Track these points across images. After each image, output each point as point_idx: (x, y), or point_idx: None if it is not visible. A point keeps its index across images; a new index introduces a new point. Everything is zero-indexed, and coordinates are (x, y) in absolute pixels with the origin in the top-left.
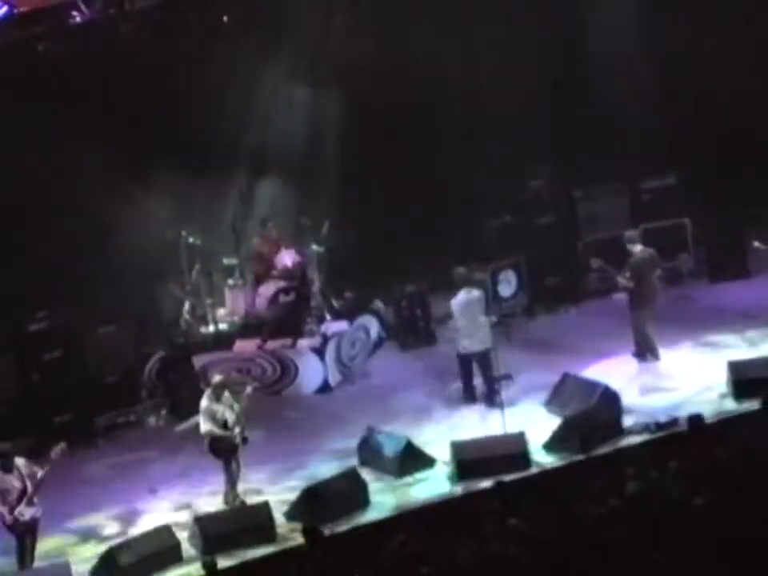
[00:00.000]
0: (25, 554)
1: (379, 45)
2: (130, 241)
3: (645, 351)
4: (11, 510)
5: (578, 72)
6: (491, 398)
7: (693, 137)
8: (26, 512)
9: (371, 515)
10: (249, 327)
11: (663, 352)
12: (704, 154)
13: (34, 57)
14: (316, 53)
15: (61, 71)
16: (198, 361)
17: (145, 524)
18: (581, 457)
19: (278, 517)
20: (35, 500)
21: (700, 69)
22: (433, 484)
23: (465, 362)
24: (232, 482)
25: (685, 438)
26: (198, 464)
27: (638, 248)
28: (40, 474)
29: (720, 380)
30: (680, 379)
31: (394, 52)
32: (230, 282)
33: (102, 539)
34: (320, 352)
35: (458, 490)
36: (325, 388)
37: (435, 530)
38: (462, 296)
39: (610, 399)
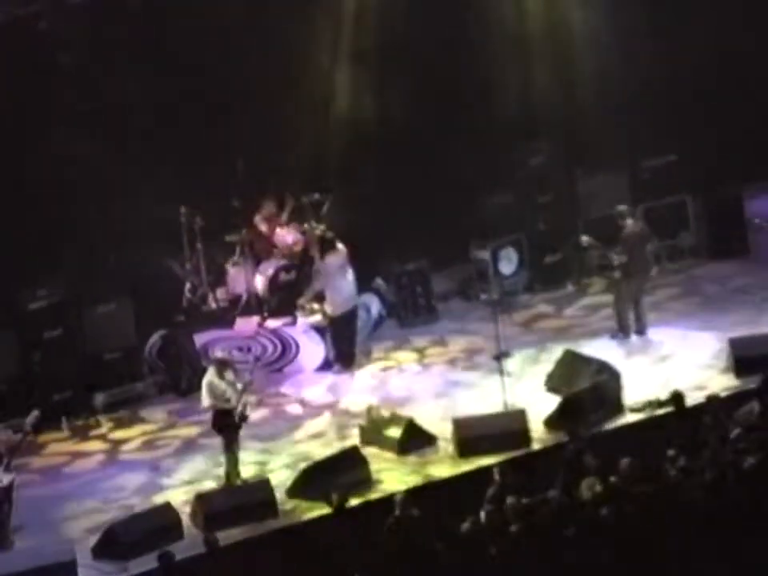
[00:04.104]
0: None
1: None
2: (131, 218)
3: (627, 328)
4: None
5: (578, 49)
6: (352, 359)
7: (693, 114)
8: (3, 478)
9: (373, 493)
10: (249, 305)
11: (663, 329)
12: (704, 131)
13: (35, 35)
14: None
15: (62, 49)
16: (199, 339)
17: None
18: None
19: (279, 494)
20: (12, 466)
21: (700, 45)
22: (434, 461)
23: (340, 322)
24: (233, 459)
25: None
26: (197, 441)
27: (629, 221)
28: (17, 439)
29: (721, 357)
30: (681, 356)
31: (392, 30)
32: (231, 259)
33: None
34: (320, 330)
35: (459, 467)
36: (326, 366)
37: (435, 507)
38: (334, 257)
39: (611, 376)
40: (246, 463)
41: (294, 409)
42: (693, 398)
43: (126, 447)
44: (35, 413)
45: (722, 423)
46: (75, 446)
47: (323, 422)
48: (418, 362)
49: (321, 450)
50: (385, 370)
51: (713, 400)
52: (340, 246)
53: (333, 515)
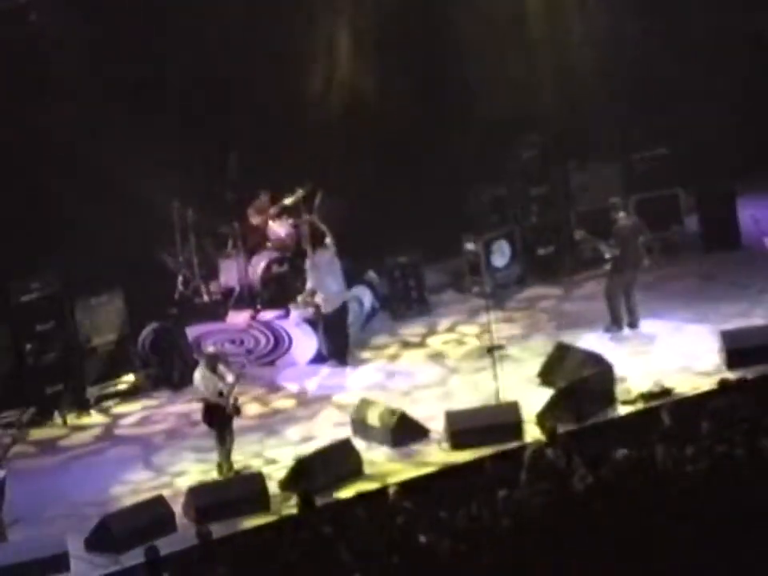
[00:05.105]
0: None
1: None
2: (123, 211)
3: (619, 321)
4: None
5: (572, 41)
6: (346, 353)
7: (686, 106)
8: None
9: (364, 485)
10: (242, 298)
11: (656, 322)
12: (696, 123)
13: (27, 25)
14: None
15: (52, 40)
16: (192, 332)
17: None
18: (574, 426)
19: (272, 486)
20: (3, 463)
21: (694, 37)
22: (426, 454)
23: (331, 318)
24: (225, 452)
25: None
26: (192, 434)
27: (621, 214)
28: (10, 437)
29: (713, 349)
30: (673, 349)
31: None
32: (224, 252)
33: None
34: (313, 323)
35: (451, 459)
36: (318, 359)
37: (427, 500)
38: (322, 253)
39: (603, 369)
40: (246, 457)
41: (289, 402)
42: (684, 390)
43: (123, 422)
44: (31, 410)
45: (715, 415)
46: (73, 420)
47: (317, 415)
48: (411, 355)
49: (315, 443)
50: (378, 363)
51: (725, 385)
52: (328, 240)
53: (300, 514)
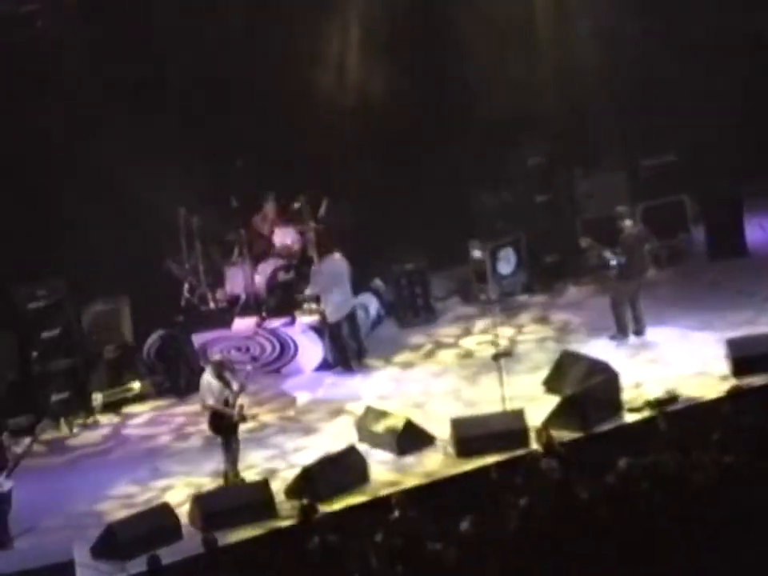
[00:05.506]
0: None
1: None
2: (129, 218)
3: (625, 329)
4: None
5: (578, 48)
6: (362, 355)
7: (692, 114)
8: (4, 484)
9: (369, 493)
10: (248, 305)
11: (662, 329)
12: (703, 130)
13: (33, 32)
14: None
15: (52, 40)
16: (198, 339)
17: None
18: (580, 434)
19: (278, 494)
20: (12, 474)
21: (691, 40)
22: (431, 461)
23: (338, 327)
24: (232, 459)
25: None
26: (197, 442)
27: (627, 222)
28: (22, 448)
29: (719, 357)
30: (679, 357)
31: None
32: (230, 259)
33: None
34: (319, 330)
35: (457, 467)
36: (324, 366)
37: (434, 507)
38: (328, 263)
39: (609, 376)
40: (248, 464)
41: (293, 409)
42: (691, 398)
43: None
44: (45, 423)
45: (722, 422)
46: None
47: (322, 422)
48: (417, 362)
49: (320, 451)
50: (384, 371)
51: (732, 392)
52: (337, 255)
53: (302, 522)
